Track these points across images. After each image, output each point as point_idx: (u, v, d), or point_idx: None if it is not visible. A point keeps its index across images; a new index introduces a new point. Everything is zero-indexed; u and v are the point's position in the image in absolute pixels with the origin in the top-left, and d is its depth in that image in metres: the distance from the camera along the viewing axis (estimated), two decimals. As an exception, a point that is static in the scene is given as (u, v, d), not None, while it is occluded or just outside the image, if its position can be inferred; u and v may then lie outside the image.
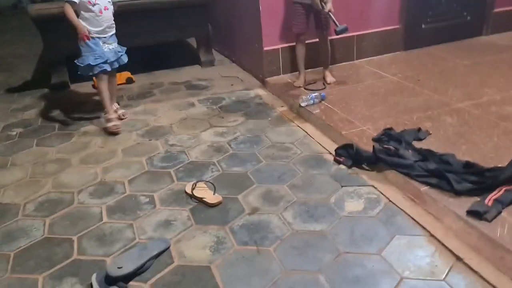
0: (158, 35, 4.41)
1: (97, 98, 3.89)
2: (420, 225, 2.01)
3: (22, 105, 3.91)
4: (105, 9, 3.10)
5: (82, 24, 3.02)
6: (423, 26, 4.43)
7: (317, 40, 3.59)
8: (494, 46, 4.38)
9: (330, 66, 3.73)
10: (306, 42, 3.60)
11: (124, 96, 3.96)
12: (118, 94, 3.98)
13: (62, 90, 4.18)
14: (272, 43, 3.89)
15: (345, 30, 3.28)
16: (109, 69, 3.20)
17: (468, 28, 4.64)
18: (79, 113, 3.60)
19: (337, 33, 3.29)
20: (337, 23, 3.25)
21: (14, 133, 3.35)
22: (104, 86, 3.25)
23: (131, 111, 3.62)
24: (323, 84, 3.63)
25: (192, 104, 3.70)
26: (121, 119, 3.43)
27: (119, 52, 3.27)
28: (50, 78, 4.21)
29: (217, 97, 3.81)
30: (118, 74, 4.27)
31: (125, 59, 3.35)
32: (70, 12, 3.00)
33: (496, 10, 4.64)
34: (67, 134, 3.26)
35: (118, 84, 4.18)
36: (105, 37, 3.15)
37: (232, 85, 4.10)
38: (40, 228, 2.21)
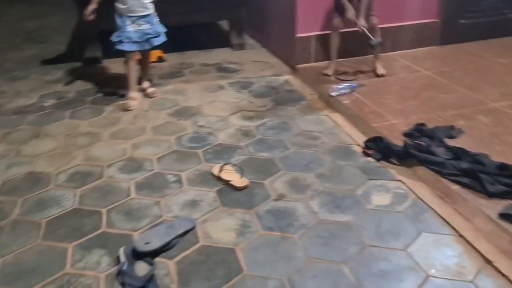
0: (192, 16, 4.40)
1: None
2: (449, 224, 1.99)
3: (56, 77, 3.98)
4: None
5: (92, 6, 3.11)
6: (461, 21, 4.30)
7: (350, 30, 3.52)
8: (535, 46, 4.23)
9: (363, 57, 3.68)
10: (341, 31, 3.55)
11: (155, 75, 3.99)
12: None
13: (95, 64, 4.23)
14: (306, 30, 3.85)
15: (380, 44, 3.33)
16: (132, 49, 3.20)
17: (508, 26, 4.48)
18: (110, 88, 3.65)
19: (372, 46, 3.33)
20: (371, 36, 3.29)
21: (48, 104, 3.42)
22: (127, 65, 3.30)
23: (161, 90, 3.64)
24: (374, 73, 3.59)
25: (222, 87, 3.70)
26: (151, 97, 3.47)
27: (147, 34, 3.21)
28: (83, 52, 4.26)
29: (247, 81, 3.80)
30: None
31: (156, 42, 3.30)
32: None
33: (540, 8, 4.47)
34: (98, 109, 3.32)
35: (150, 62, 4.22)
36: (134, 16, 3.14)
37: (262, 70, 4.08)
38: (71, 198, 2.27)
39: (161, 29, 3.33)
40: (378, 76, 3.58)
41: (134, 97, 3.35)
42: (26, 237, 2.00)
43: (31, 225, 2.08)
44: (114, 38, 3.18)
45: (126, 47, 3.17)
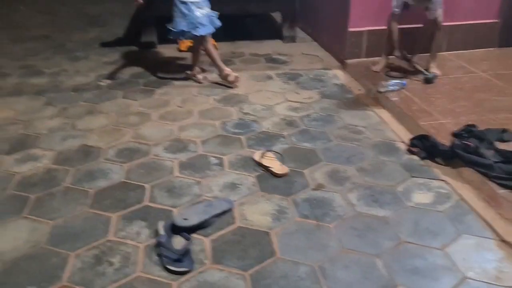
0: (246, 5, 4.46)
1: (180, 61, 4.07)
2: (492, 228, 1.93)
3: (113, 59, 4.16)
4: None
5: None
6: (525, 23, 4.09)
7: (406, 26, 3.44)
8: None
9: (417, 55, 3.58)
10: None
11: (205, 62, 4.07)
12: (200, 59, 4.12)
13: (150, 49, 4.38)
14: (358, 25, 3.80)
15: (434, 78, 3.27)
16: (203, 33, 3.29)
17: None
18: (162, 73, 3.77)
19: (426, 81, 3.27)
20: (424, 71, 3.27)
21: (104, 83, 3.59)
22: (199, 49, 3.48)
23: (211, 76, 3.72)
24: (422, 71, 3.46)
25: (270, 77, 3.73)
26: (200, 83, 3.56)
27: (211, 16, 3.32)
28: (140, 37, 4.43)
29: (295, 73, 3.81)
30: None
31: (218, 22, 3.39)
32: None
33: None
34: (150, 91, 3.44)
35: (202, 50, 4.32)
36: (198, 2, 3.23)
37: (311, 63, 4.07)
38: (118, 172, 2.39)
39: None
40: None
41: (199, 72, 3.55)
42: (75, 204, 2.14)
43: (80, 194, 2.21)
44: (184, 27, 3.23)
45: (202, 31, 3.26)
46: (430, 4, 3.21)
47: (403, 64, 3.60)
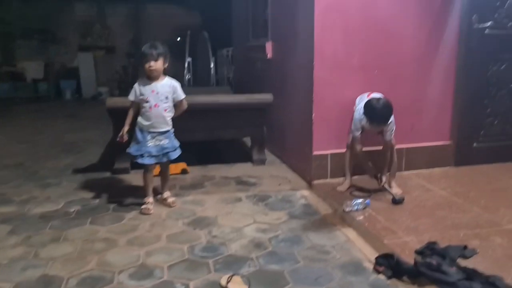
0: (217, 132, 4.74)
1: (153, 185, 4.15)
2: None
3: (85, 185, 4.23)
4: (155, 106, 3.37)
5: (126, 128, 3.44)
6: (475, 144, 4.44)
7: (367, 149, 3.70)
8: (551, 170, 4.26)
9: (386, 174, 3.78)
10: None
11: (177, 186, 4.18)
12: (172, 183, 4.22)
13: (123, 175, 4.49)
14: (322, 148, 4.05)
15: (402, 201, 3.46)
16: (151, 162, 3.46)
17: (523, 150, 4.58)
18: (134, 198, 3.82)
19: (395, 202, 3.45)
20: (393, 194, 3.49)
21: (72, 210, 3.60)
22: (146, 175, 3.59)
23: (181, 200, 3.79)
24: (391, 193, 3.61)
25: (240, 199, 3.82)
26: (171, 207, 3.61)
27: (165, 148, 3.46)
28: (113, 163, 4.56)
29: (264, 195, 3.92)
30: (174, 165, 4.57)
31: (173, 155, 3.53)
32: (129, 110, 3.50)
33: (553, 134, 4.59)
34: (119, 216, 3.45)
35: (174, 174, 4.46)
36: (154, 132, 3.42)
37: (279, 184, 4.22)
38: (78, 303, 2.29)
39: (177, 143, 3.56)
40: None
41: (150, 203, 3.57)
42: None
43: (35, 328, 2.08)
44: (133, 151, 3.44)
45: (146, 161, 3.43)
46: (384, 127, 3.50)
47: (367, 183, 3.77)
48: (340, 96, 3.93)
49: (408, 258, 2.54)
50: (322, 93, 3.94)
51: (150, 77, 3.40)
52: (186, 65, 9.11)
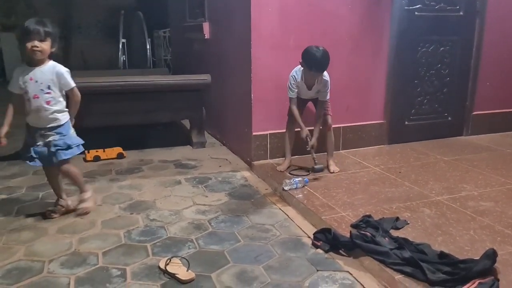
0: (153, 115, 4.60)
1: (84, 171, 3.96)
2: (393, 314, 1.96)
3: (10, 172, 3.95)
4: (34, 98, 2.77)
5: (3, 130, 2.84)
6: (406, 122, 4.65)
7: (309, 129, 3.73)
8: (473, 146, 4.56)
9: (317, 154, 3.84)
10: (296, 130, 3.75)
11: (113, 171, 4.02)
12: (107, 168, 4.07)
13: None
14: (261, 129, 4.05)
15: (321, 170, 3.57)
16: (38, 164, 2.90)
17: (449, 128, 4.86)
18: (65, 184, 3.59)
19: (314, 170, 3.54)
20: (316, 161, 3.54)
21: (-4, 199, 3.35)
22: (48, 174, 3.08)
23: (117, 185, 3.65)
24: (309, 170, 3.69)
25: (179, 182, 3.74)
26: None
27: (56, 146, 2.84)
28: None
29: (204, 177, 3.87)
30: (110, 150, 4.41)
31: (63, 155, 2.86)
32: (8, 105, 2.88)
33: (475, 113, 4.91)
34: (49, 204, 3.25)
35: (109, 159, 4.29)
36: (41, 129, 2.84)
37: (220, 166, 4.18)
38: (3, 296, 2.13)
39: (75, 141, 2.94)
40: (330, 172, 3.73)
41: (61, 206, 3.09)
42: None
43: (-47, 326, 1.92)
44: (22, 152, 2.93)
45: (34, 163, 2.87)
46: (321, 86, 3.56)
47: (306, 163, 3.83)
48: (278, 76, 3.93)
49: (345, 232, 2.61)
50: (260, 73, 3.92)
51: (32, 62, 2.79)
52: (120, 46, 8.72)
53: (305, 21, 3.96)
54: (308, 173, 3.68)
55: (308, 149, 3.58)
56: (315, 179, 3.53)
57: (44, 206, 3.18)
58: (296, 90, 3.58)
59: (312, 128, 3.66)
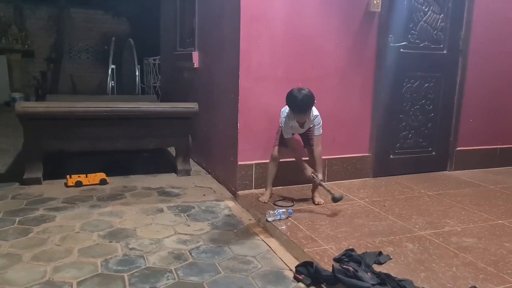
0: (139, 141, 4.57)
1: (65, 196, 3.89)
2: None
3: (-12, 196, 3.86)
4: None
5: None
6: (391, 156, 4.68)
7: (291, 160, 3.73)
8: (456, 181, 4.60)
9: (301, 185, 3.84)
10: (280, 161, 3.75)
11: (94, 197, 3.95)
12: (89, 194, 4.01)
13: (34, 185, 4.15)
14: (247, 158, 4.04)
15: (341, 198, 3.54)
16: None
17: (433, 163, 4.91)
18: (44, 210, 3.54)
19: (335, 200, 3.51)
20: (332, 191, 3.52)
21: (-28, 223, 3.25)
22: None
23: (98, 211, 3.57)
24: (292, 201, 3.68)
25: (161, 210, 3.68)
26: None
27: None
28: (23, 173, 4.21)
29: (187, 206, 3.81)
30: (92, 175, 4.35)
31: None
32: None
33: (458, 148, 4.97)
34: (26, 229, 3.17)
35: (92, 184, 4.23)
36: None
37: (204, 195, 4.14)
38: (-30, 326, 2.04)
39: None
40: (315, 204, 3.71)
41: None
42: None
43: None
44: None
45: None
46: (312, 125, 3.59)
47: (290, 193, 3.81)
48: (265, 106, 3.96)
49: (327, 265, 2.57)
50: (247, 103, 3.95)
51: None
52: (109, 71, 8.75)
53: (294, 53, 4.02)
54: (293, 204, 3.66)
55: (317, 183, 3.59)
56: (299, 211, 3.50)
57: (21, 232, 3.10)
58: (290, 130, 3.61)
59: (307, 158, 3.68)
